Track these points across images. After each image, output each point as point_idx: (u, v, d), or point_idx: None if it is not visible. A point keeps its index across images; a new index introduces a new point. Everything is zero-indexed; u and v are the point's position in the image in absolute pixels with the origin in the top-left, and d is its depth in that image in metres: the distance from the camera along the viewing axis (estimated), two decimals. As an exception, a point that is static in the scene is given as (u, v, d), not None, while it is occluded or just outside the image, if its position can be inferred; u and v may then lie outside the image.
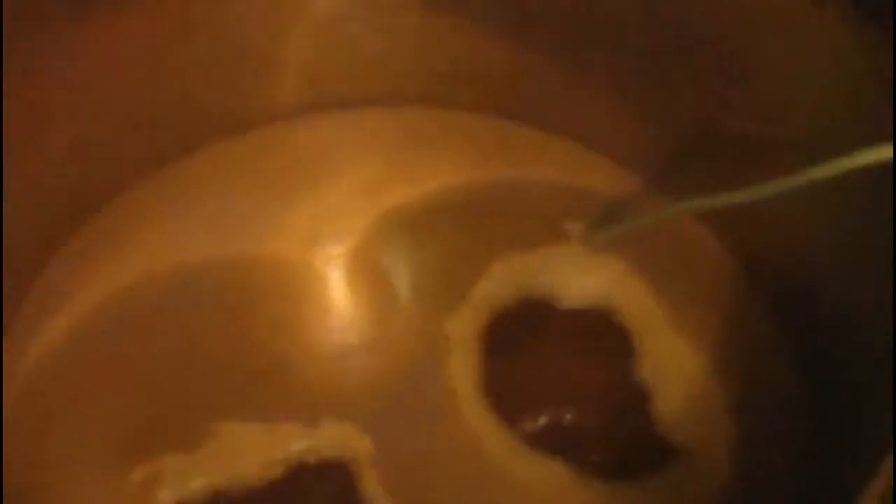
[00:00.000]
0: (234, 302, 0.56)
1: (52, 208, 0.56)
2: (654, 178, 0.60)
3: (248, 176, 0.60)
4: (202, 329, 0.55)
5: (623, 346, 0.56)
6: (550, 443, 0.54)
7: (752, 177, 0.47)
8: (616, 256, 0.58)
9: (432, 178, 0.60)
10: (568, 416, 0.55)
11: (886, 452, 0.40)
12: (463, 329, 0.57)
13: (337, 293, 0.58)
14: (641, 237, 0.58)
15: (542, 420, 0.55)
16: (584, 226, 0.59)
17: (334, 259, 0.58)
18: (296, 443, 0.53)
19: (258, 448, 0.53)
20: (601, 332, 0.57)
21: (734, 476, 0.53)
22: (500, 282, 0.58)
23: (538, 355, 0.56)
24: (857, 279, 0.50)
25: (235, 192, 0.60)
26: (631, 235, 0.57)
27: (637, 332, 0.56)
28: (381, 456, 0.53)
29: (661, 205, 0.59)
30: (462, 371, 0.56)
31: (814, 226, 0.52)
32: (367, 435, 0.54)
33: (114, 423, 0.53)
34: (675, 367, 0.56)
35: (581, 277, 0.58)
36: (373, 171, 0.61)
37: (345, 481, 0.53)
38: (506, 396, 0.55)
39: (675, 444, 0.54)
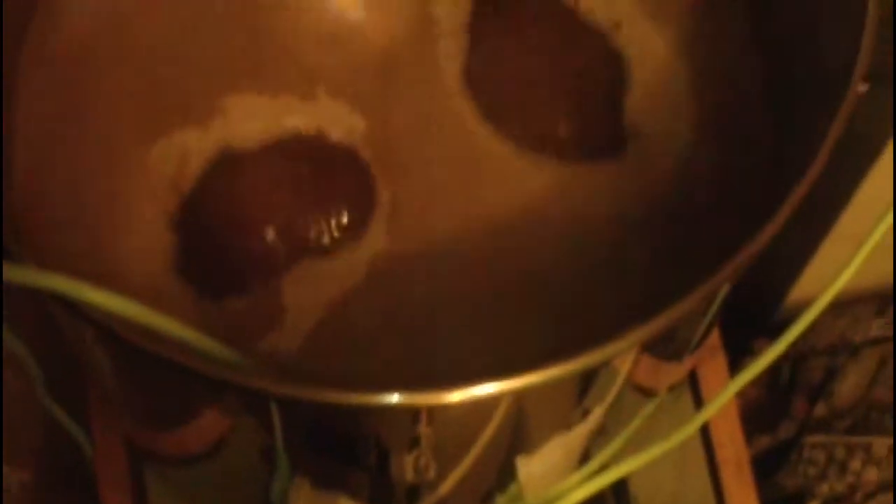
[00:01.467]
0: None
1: None
2: None
3: None
4: (208, 13, 0.58)
5: (596, 31, 0.58)
6: (522, 123, 0.57)
7: None
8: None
9: None
10: (540, 95, 0.57)
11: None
12: (450, 10, 0.59)
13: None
14: None
15: (516, 99, 0.58)
16: None
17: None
18: (294, 116, 0.56)
19: (263, 118, 0.56)
20: (576, 19, 0.58)
21: (687, 164, 0.56)
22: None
23: (518, 41, 0.58)
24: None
25: None
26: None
27: (606, 9, 0.58)
28: (370, 132, 0.56)
29: None
30: (450, 54, 0.58)
31: None
32: (357, 112, 0.57)
33: (131, 102, 0.56)
34: (642, 49, 0.58)
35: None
36: None
37: (338, 153, 0.56)
38: (487, 78, 0.58)
39: (637, 128, 0.57)
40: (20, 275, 0.40)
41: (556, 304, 0.54)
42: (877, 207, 0.51)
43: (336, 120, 0.56)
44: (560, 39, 0.58)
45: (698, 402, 0.68)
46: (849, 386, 0.83)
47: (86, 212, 0.55)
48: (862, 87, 0.44)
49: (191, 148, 0.55)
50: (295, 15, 0.58)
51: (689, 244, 0.54)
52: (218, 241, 0.54)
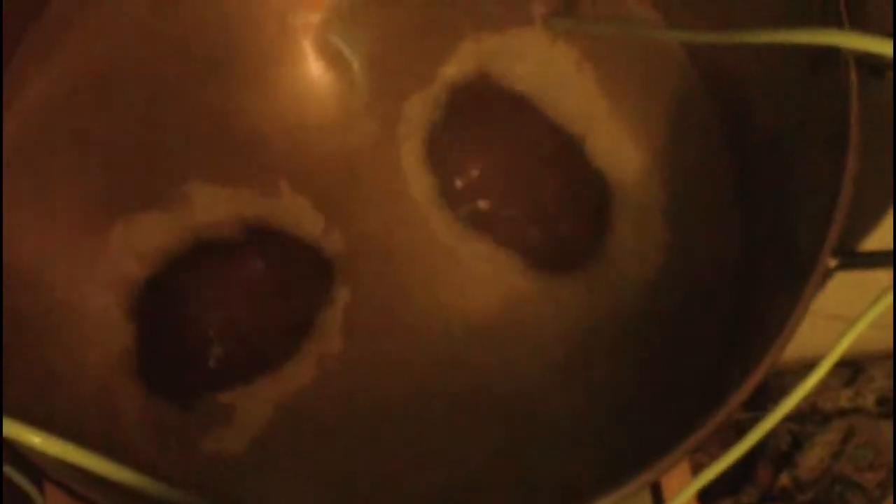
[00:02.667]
0: (206, 67, 0.57)
1: None
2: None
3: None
4: (176, 94, 0.56)
5: (567, 139, 0.57)
6: (492, 224, 0.56)
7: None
8: (573, 44, 0.58)
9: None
10: (510, 200, 0.57)
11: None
12: (421, 110, 0.57)
13: (307, 66, 0.58)
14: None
15: (485, 201, 0.57)
16: (548, 10, 0.58)
17: (308, 30, 0.58)
18: (256, 207, 0.55)
19: (224, 208, 0.55)
20: (549, 119, 0.57)
21: (662, 271, 0.55)
22: (459, 62, 0.58)
23: (489, 136, 0.57)
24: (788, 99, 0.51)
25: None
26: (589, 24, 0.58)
27: (581, 127, 0.57)
28: (332, 229, 0.56)
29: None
30: (415, 153, 0.57)
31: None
32: (320, 211, 0.56)
33: (92, 185, 0.55)
34: (616, 157, 0.57)
35: (538, 64, 0.58)
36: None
37: (297, 248, 0.55)
38: (455, 176, 0.57)
39: (609, 237, 0.56)
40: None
41: (508, 413, 0.53)
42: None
43: (298, 215, 0.55)
44: (531, 146, 0.57)
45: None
46: (814, 457, 0.82)
47: (44, 294, 0.53)
48: (832, 263, 0.43)
49: (149, 233, 0.54)
50: (263, 104, 0.57)
51: (654, 371, 0.53)
52: (172, 338, 0.54)
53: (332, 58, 0.58)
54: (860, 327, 0.49)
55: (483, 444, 0.53)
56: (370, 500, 0.52)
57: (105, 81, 0.56)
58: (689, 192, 0.56)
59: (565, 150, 0.57)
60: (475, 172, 0.57)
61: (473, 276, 0.55)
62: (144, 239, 0.54)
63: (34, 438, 0.40)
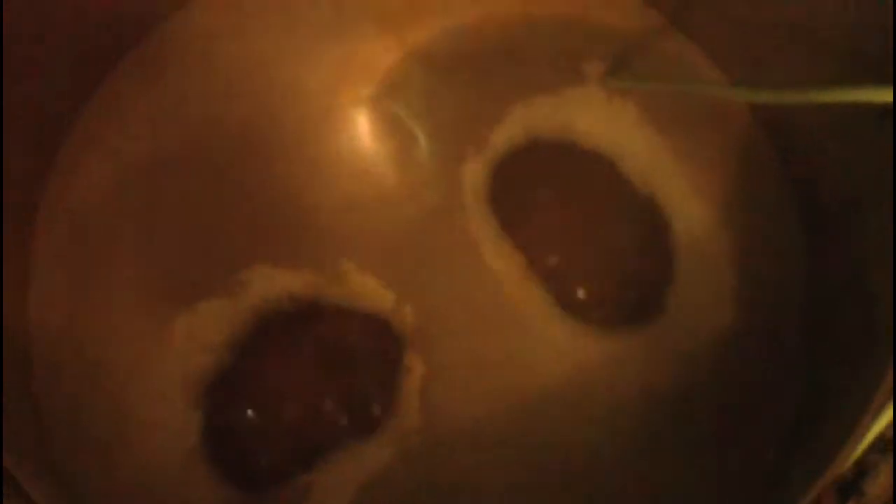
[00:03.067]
0: (262, 148, 0.56)
1: (84, 51, 0.55)
2: (670, 11, 0.59)
3: (277, 15, 0.59)
4: (234, 175, 0.56)
5: (632, 195, 0.57)
6: (562, 286, 0.56)
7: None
8: (631, 102, 0.58)
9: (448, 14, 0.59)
10: (579, 259, 0.56)
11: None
12: (480, 176, 0.57)
13: (361, 139, 0.58)
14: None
15: (554, 262, 0.56)
16: (602, 67, 0.58)
17: (359, 102, 0.58)
18: (320, 288, 0.55)
19: (286, 293, 0.55)
20: (611, 179, 0.57)
21: (730, 322, 0.55)
22: (515, 126, 0.58)
23: (551, 196, 0.57)
24: (857, 155, 0.50)
25: (262, 32, 0.58)
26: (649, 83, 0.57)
27: (644, 182, 0.57)
28: (401, 305, 0.55)
29: (677, 48, 0.58)
30: (480, 218, 0.57)
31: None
32: (388, 288, 0.55)
33: (151, 273, 0.55)
34: (681, 216, 0.56)
35: (595, 122, 0.58)
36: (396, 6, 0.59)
37: (366, 327, 0.55)
38: (522, 239, 0.56)
39: (679, 287, 0.56)
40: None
41: (584, 488, 0.53)
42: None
43: (365, 294, 0.55)
44: (595, 203, 0.57)
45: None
46: (880, 486, 0.81)
47: (104, 384, 0.53)
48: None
49: (212, 322, 0.54)
50: (320, 183, 0.57)
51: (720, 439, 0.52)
52: (240, 426, 0.53)
53: (386, 130, 0.58)
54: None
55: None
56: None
57: (158, 167, 0.56)
58: (759, 247, 0.56)
59: (630, 205, 0.57)
60: (540, 239, 0.56)
61: (544, 342, 0.55)
62: (207, 328, 0.54)
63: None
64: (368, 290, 0.55)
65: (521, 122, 0.58)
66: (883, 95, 0.43)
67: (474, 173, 0.57)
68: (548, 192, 0.57)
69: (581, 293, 0.55)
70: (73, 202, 0.55)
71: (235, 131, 0.57)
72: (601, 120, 0.57)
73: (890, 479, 0.81)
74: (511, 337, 0.55)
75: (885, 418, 0.46)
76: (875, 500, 0.81)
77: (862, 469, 0.82)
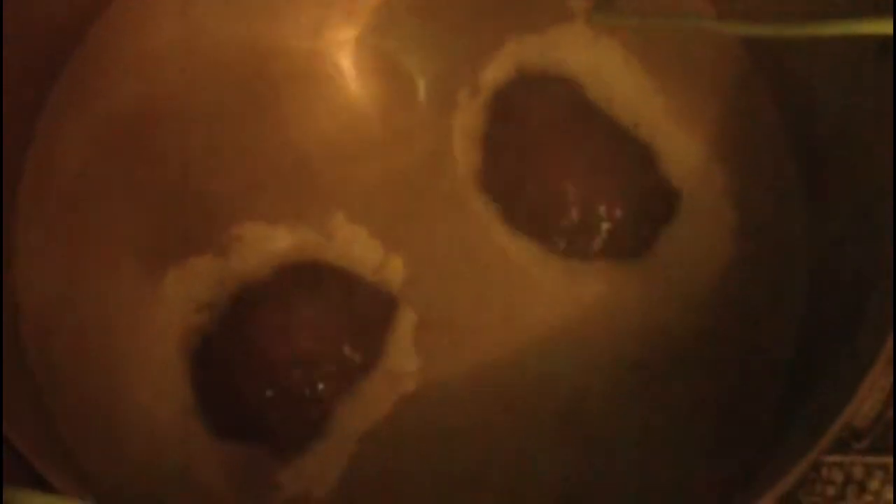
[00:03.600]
0: (248, 98, 0.56)
1: (64, 8, 0.54)
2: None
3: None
4: (224, 127, 0.55)
5: (623, 134, 0.56)
6: (552, 225, 0.55)
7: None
8: (618, 39, 0.57)
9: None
10: (570, 198, 0.55)
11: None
12: (471, 119, 0.56)
13: (349, 85, 0.57)
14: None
15: (547, 201, 0.55)
16: (588, 4, 0.57)
17: (345, 46, 0.57)
18: (312, 241, 0.54)
19: (280, 245, 0.54)
20: (603, 119, 0.56)
21: (727, 261, 0.54)
22: (505, 66, 0.57)
23: (542, 137, 0.56)
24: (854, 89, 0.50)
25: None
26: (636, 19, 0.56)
27: (636, 120, 0.56)
28: (392, 256, 0.54)
29: None
30: (471, 164, 0.56)
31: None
32: (378, 235, 0.54)
33: (141, 231, 0.54)
34: (674, 154, 0.56)
35: (585, 61, 0.57)
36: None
37: (359, 280, 0.54)
38: (513, 181, 0.55)
39: (674, 225, 0.55)
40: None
41: (585, 429, 0.53)
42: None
43: (356, 245, 0.54)
44: (590, 141, 0.56)
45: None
46: (866, 404, 0.82)
47: (98, 346, 0.53)
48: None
49: (204, 278, 0.53)
50: (307, 133, 0.56)
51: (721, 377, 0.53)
52: (236, 380, 0.52)
53: (373, 75, 0.57)
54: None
55: (557, 464, 0.53)
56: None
57: (143, 122, 0.55)
58: (754, 187, 0.55)
59: (622, 144, 0.56)
60: (532, 176, 0.55)
61: (540, 284, 0.55)
62: (198, 283, 0.53)
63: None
64: (359, 240, 0.54)
65: (510, 63, 0.57)
66: (882, 27, 0.42)
67: (464, 116, 0.56)
68: (539, 133, 0.56)
69: (574, 233, 0.55)
70: (59, 162, 0.54)
71: (221, 83, 0.56)
72: (591, 58, 0.56)
73: (875, 398, 0.82)
74: (503, 282, 0.55)
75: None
76: (862, 419, 0.82)
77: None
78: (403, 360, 0.53)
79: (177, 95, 0.56)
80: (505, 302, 0.54)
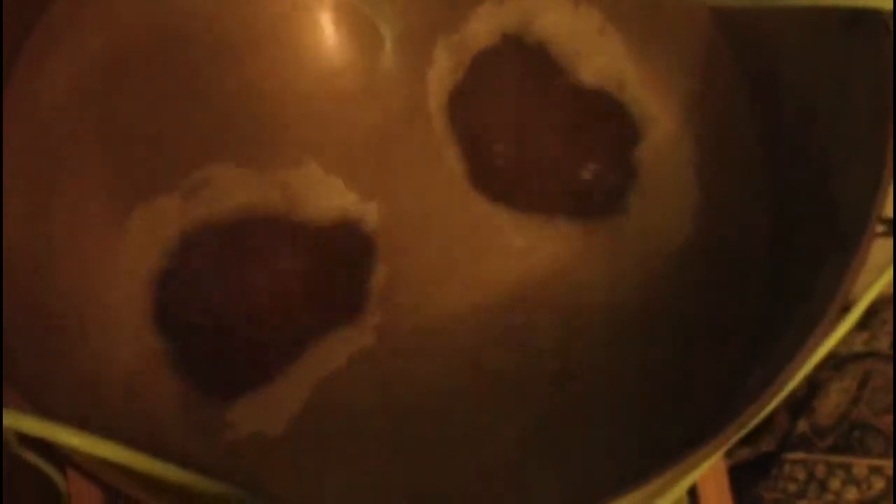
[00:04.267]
0: (225, 47, 0.56)
1: None
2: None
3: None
4: (197, 73, 0.55)
5: (596, 100, 0.56)
6: (522, 185, 0.55)
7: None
8: (597, 7, 0.57)
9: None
10: (542, 160, 0.55)
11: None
12: (446, 77, 0.56)
13: (326, 40, 0.57)
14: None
15: (517, 163, 0.55)
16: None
17: (323, 1, 0.57)
18: (285, 189, 0.54)
19: (248, 192, 0.54)
20: (576, 85, 0.56)
21: (692, 229, 0.54)
22: (482, 29, 0.57)
23: (514, 98, 0.56)
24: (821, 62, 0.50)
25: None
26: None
27: (608, 87, 0.56)
28: (365, 207, 0.55)
29: None
30: (443, 122, 0.56)
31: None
32: (352, 189, 0.55)
33: (113, 169, 0.54)
34: (643, 122, 0.56)
35: (561, 27, 0.57)
36: None
37: (330, 228, 0.54)
38: (484, 142, 0.56)
39: (642, 191, 0.55)
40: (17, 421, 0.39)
41: (547, 398, 0.53)
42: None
43: (329, 195, 0.54)
44: (562, 106, 0.56)
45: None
46: (831, 403, 0.82)
47: (63, 279, 0.52)
48: (879, 229, 0.42)
49: (170, 218, 0.53)
50: (283, 84, 0.56)
51: (689, 340, 0.53)
52: (196, 320, 0.52)
53: (350, 29, 0.57)
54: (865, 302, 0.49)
55: (522, 421, 0.52)
56: (409, 483, 0.51)
57: (116, 70, 0.55)
58: (721, 155, 0.55)
59: (595, 110, 0.56)
60: (503, 138, 0.56)
61: (505, 241, 0.55)
62: (166, 225, 0.53)
63: (73, 439, 0.39)
64: (332, 190, 0.54)
65: (487, 25, 0.57)
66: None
67: (439, 77, 0.56)
68: (511, 93, 0.56)
69: (543, 196, 0.55)
70: (34, 100, 0.54)
71: (199, 30, 0.56)
72: (567, 24, 0.57)
73: (839, 397, 0.82)
74: (473, 240, 0.55)
75: (839, 332, 0.46)
76: (826, 418, 0.83)
77: (813, 387, 0.83)
78: (367, 311, 0.53)
79: (154, 41, 0.55)
80: (471, 257, 0.54)
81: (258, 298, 0.53)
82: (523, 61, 0.56)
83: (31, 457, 0.69)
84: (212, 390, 0.52)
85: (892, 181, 0.42)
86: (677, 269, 0.54)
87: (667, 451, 0.44)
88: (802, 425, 0.82)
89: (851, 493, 0.80)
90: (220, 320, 0.52)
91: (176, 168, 0.54)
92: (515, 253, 0.54)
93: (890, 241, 0.48)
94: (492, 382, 0.53)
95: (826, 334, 0.41)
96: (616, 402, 0.52)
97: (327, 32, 0.57)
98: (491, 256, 0.54)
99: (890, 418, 0.81)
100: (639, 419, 0.52)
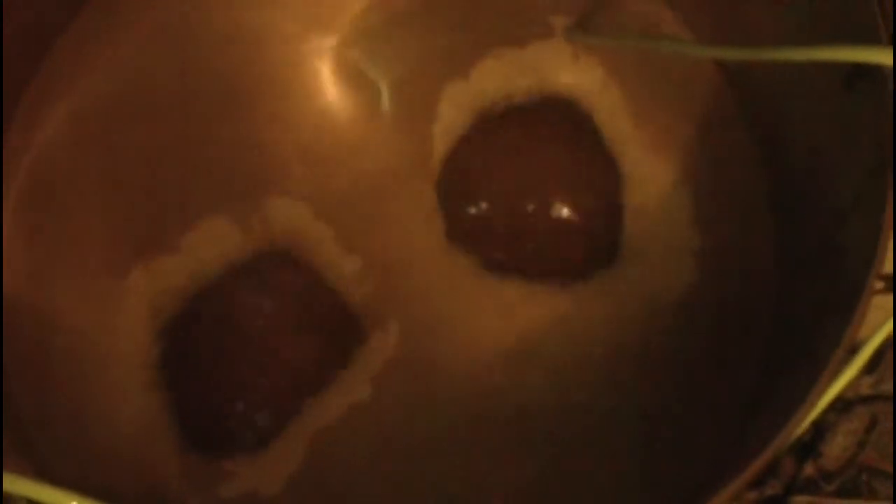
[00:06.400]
0: (224, 98, 0.56)
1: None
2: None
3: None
4: (195, 122, 0.55)
5: (594, 152, 0.56)
6: (513, 245, 0.55)
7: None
8: (598, 58, 0.57)
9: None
10: (531, 214, 0.55)
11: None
12: (444, 132, 0.56)
13: (325, 92, 0.57)
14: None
15: (511, 221, 0.56)
16: (568, 22, 0.57)
17: (324, 54, 0.57)
18: (278, 243, 0.55)
19: (243, 246, 0.54)
20: (574, 136, 0.57)
21: (691, 282, 0.55)
22: (482, 80, 0.57)
23: (512, 155, 0.56)
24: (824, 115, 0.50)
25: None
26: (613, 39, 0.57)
27: (607, 139, 0.56)
28: (355, 265, 0.55)
29: (644, 6, 0.58)
30: (436, 179, 0.56)
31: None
32: (343, 245, 0.55)
33: (113, 224, 0.54)
34: (643, 175, 0.56)
35: (562, 78, 0.57)
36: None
37: (319, 285, 0.54)
38: (480, 196, 0.56)
39: (638, 246, 0.55)
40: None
41: (548, 447, 0.53)
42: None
43: (321, 250, 0.55)
44: (560, 158, 0.57)
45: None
46: (838, 447, 0.82)
47: (67, 344, 0.53)
48: (877, 286, 0.42)
49: (169, 276, 0.54)
50: (282, 136, 0.56)
51: (693, 391, 0.52)
52: (199, 383, 0.53)
53: (350, 84, 0.57)
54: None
55: (522, 471, 0.53)
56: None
57: (119, 118, 0.55)
58: (721, 209, 0.55)
59: (588, 161, 0.56)
60: (499, 191, 0.56)
61: (498, 300, 0.55)
62: (163, 282, 0.53)
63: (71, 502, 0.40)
64: (325, 244, 0.55)
65: (488, 76, 0.57)
66: (853, 55, 0.42)
67: (438, 128, 0.57)
68: (509, 149, 0.56)
69: (536, 252, 0.55)
70: (34, 154, 0.54)
71: (198, 81, 0.56)
72: (568, 76, 0.57)
73: (846, 441, 0.82)
74: (464, 297, 0.55)
75: (844, 377, 0.46)
76: (833, 462, 0.82)
77: (819, 431, 0.83)
78: (359, 368, 0.53)
79: (153, 91, 0.56)
80: (464, 317, 0.55)
81: (253, 356, 0.53)
82: (521, 116, 0.57)
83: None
84: (209, 448, 0.52)
85: (892, 228, 0.42)
86: (678, 319, 0.54)
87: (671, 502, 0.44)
88: (809, 469, 0.82)
89: (859, 538, 0.80)
90: (217, 378, 0.53)
91: (174, 223, 0.54)
92: (506, 311, 0.55)
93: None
94: (488, 434, 0.53)
95: (830, 381, 0.41)
96: (617, 453, 0.52)
97: (324, 83, 0.57)
98: (482, 316, 0.54)
99: (897, 462, 0.81)
100: (640, 470, 0.52)
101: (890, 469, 0.80)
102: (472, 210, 0.55)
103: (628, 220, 0.55)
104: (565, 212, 0.55)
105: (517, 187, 0.55)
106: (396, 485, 0.52)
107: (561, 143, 0.56)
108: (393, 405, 0.53)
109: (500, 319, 0.54)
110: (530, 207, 0.55)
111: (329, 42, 0.57)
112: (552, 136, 0.56)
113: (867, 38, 0.44)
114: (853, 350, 0.46)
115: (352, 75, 0.57)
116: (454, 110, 0.56)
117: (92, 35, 0.56)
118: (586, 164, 0.56)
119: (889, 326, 0.48)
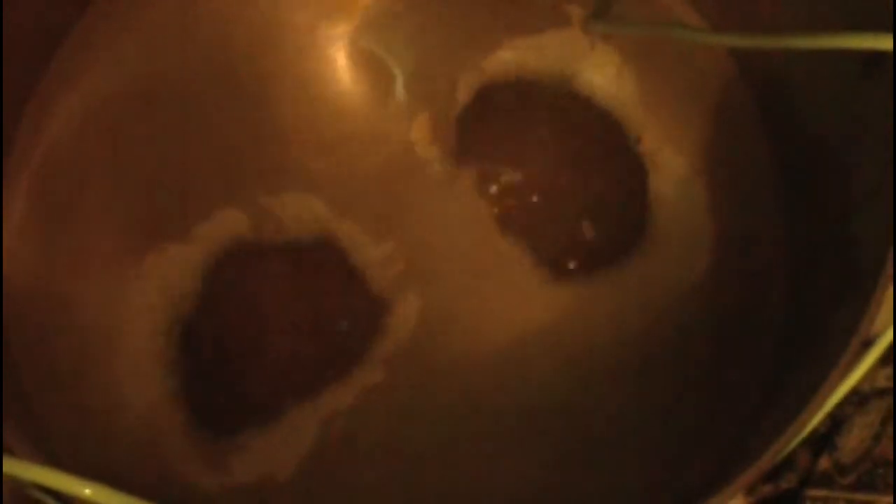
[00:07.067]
0: (237, 87, 0.56)
1: None
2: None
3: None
4: (208, 113, 0.55)
5: (611, 142, 0.56)
6: (535, 231, 0.55)
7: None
8: (614, 47, 0.57)
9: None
10: (553, 203, 0.56)
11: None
12: (459, 117, 0.56)
13: (339, 79, 0.57)
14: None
15: (530, 206, 0.56)
16: (585, 11, 0.57)
17: (337, 41, 0.57)
18: (296, 231, 0.55)
19: (258, 234, 0.54)
20: (590, 126, 0.56)
21: (705, 272, 0.54)
22: (498, 67, 0.57)
23: (528, 140, 0.56)
24: (838, 104, 0.50)
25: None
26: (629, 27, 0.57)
27: (624, 129, 0.56)
28: (376, 249, 0.55)
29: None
30: (457, 164, 0.56)
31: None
32: (366, 232, 0.55)
33: (124, 215, 0.54)
34: (659, 165, 0.56)
35: (578, 67, 0.57)
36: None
37: (340, 270, 0.55)
38: (498, 184, 0.56)
39: (653, 235, 0.55)
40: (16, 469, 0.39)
41: (554, 430, 0.53)
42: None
43: (342, 236, 0.55)
44: (577, 148, 0.57)
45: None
46: (854, 440, 0.81)
47: (77, 330, 0.53)
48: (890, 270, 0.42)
49: (186, 260, 0.53)
50: (298, 123, 0.56)
51: (710, 377, 0.52)
52: (213, 368, 0.53)
53: (364, 70, 0.57)
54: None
55: (529, 463, 0.53)
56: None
57: (132, 106, 0.55)
58: (735, 199, 0.55)
59: (609, 152, 0.56)
60: (517, 179, 0.56)
61: (515, 287, 0.55)
62: (178, 268, 0.53)
63: (84, 490, 0.40)
64: (343, 231, 0.55)
65: (503, 64, 0.57)
66: (870, 42, 0.42)
67: (454, 115, 0.56)
68: (527, 137, 0.56)
69: (555, 239, 0.55)
70: (47, 141, 0.54)
71: (211, 70, 0.56)
72: (584, 64, 0.57)
73: (862, 434, 0.81)
74: (483, 283, 0.55)
75: (860, 370, 0.46)
76: (849, 455, 0.82)
77: (836, 423, 0.82)
78: (377, 351, 0.53)
79: (167, 82, 0.56)
80: (481, 304, 0.54)
81: (268, 339, 0.53)
82: (538, 104, 0.57)
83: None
84: (222, 430, 0.52)
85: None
86: (691, 310, 0.54)
87: (684, 494, 0.44)
88: (824, 462, 0.81)
89: (874, 531, 0.79)
90: (231, 361, 0.53)
91: (187, 212, 0.54)
92: (523, 298, 0.55)
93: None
94: (495, 424, 0.53)
95: (844, 373, 0.41)
96: (629, 445, 0.52)
97: (339, 70, 0.57)
98: (499, 302, 0.55)
99: (914, 455, 0.80)
100: (654, 462, 0.52)
101: (905, 462, 0.80)
102: (494, 189, 0.55)
103: (646, 209, 0.55)
104: (582, 198, 0.55)
105: (536, 175, 0.55)
106: (406, 469, 0.52)
107: (578, 131, 0.56)
108: (405, 390, 0.53)
109: (514, 306, 0.54)
110: (550, 195, 0.55)
111: (341, 30, 0.57)
112: (568, 126, 0.56)
113: (880, 25, 0.43)
114: (868, 342, 0.46)
115: (365, 63, 0.57)
116: (469, 97, 0.56)
117: (105, 26, 0.56)
118: (604, 152, 0.56)
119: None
